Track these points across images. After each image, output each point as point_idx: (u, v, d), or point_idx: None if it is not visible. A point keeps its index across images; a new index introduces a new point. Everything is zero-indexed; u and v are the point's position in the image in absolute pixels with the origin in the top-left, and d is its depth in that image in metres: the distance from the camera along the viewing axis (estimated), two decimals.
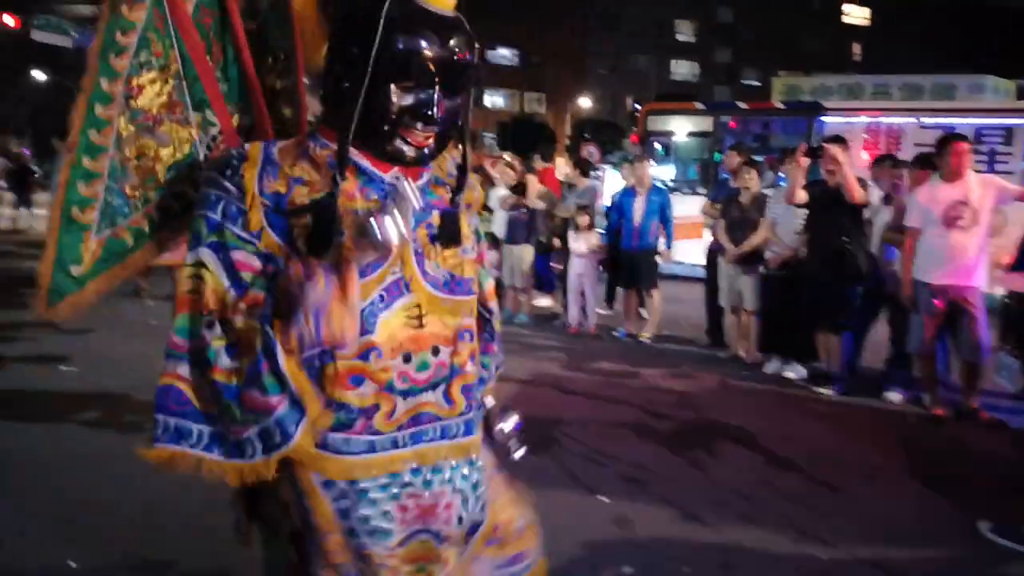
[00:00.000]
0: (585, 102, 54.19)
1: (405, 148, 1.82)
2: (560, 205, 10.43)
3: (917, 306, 6.75)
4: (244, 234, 1.78)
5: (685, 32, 63.89)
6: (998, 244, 7.17)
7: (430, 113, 1.77)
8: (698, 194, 13.66)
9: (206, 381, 1.75)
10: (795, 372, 7.92)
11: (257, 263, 1.78)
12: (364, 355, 1.80)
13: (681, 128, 16.93)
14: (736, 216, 8.55)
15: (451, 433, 1.95)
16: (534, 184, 10.45)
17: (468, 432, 1.99)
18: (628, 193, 9.73)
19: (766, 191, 8.86)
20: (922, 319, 6.72)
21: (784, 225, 8.07)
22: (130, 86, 2.14)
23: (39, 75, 42.20)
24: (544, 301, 11.36)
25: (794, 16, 60.63)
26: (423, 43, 1.74)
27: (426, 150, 1.84)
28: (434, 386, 1.90)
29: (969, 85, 14.87)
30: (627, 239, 9.56)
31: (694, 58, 63.88)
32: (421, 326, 1.86)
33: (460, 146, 1.99)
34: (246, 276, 1.77)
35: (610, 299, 11.31)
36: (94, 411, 6.00)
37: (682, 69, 63.52)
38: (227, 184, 1.80)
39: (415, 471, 1.89)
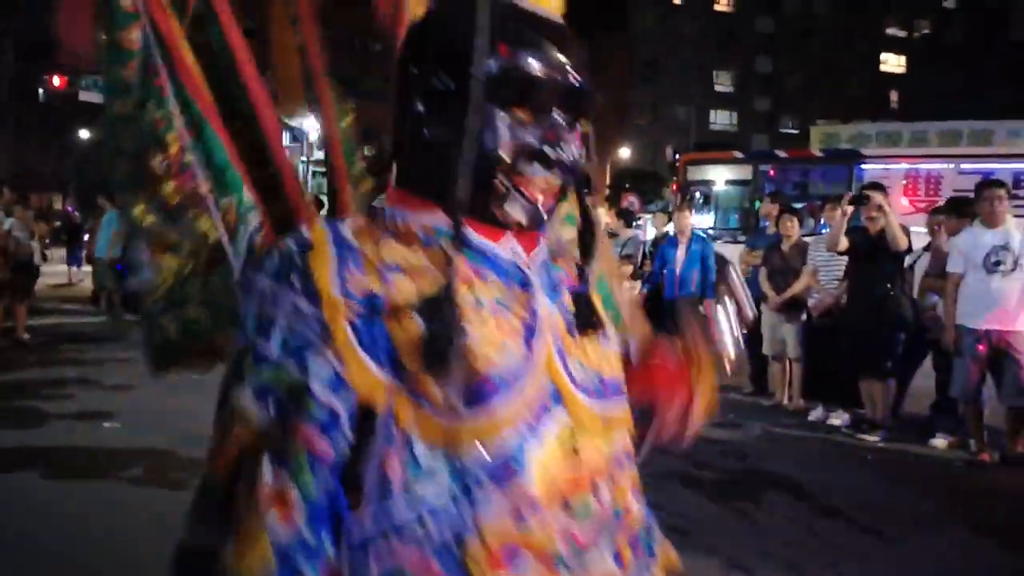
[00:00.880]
0: (624, 152, 54.48)
1: (521, 204, 1.28)
2: None
3: (961, 351, 6.77)
4: (321, 391, 1.16)
5: (724, 82, 64.22)
6: None
7: (554, 152, 1.27)
8: (739, 242, 13.75)
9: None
10: (840, 419, 7.91)
11: (326, 447, 1.16)
12: (518, 514, 1.18)
13: (720, 177, 17.05)
14: (778, 264, 8.61)
15: None
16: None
17: None
18: (670, 242, 9.82)
19: (806, 239, 8.93)
20: (966, 364, 6.73)
21: (826, 272, 8.12)
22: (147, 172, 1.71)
23: (85, 134, 43.13)
24: None
25: (832, 65, 60.76)
26: (536, 57, 1.25)
27: (549, 206, 1.31)
28: (598, 542, 1.27)
29: (1007, 130, 14.88)
30: (669, 288, 9.63)
31: (733, 107, 64.12)
32: (575, 455, 1.25)
33: (579, 200, 1.45)
34: (299, 460, 1.15)
35: None
36: (138, 468, 5.93)
37: (721, 119, 63.76)
38: (290, 295, 1.21)
39: None
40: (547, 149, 1.27)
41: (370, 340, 1.19)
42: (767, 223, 9.79)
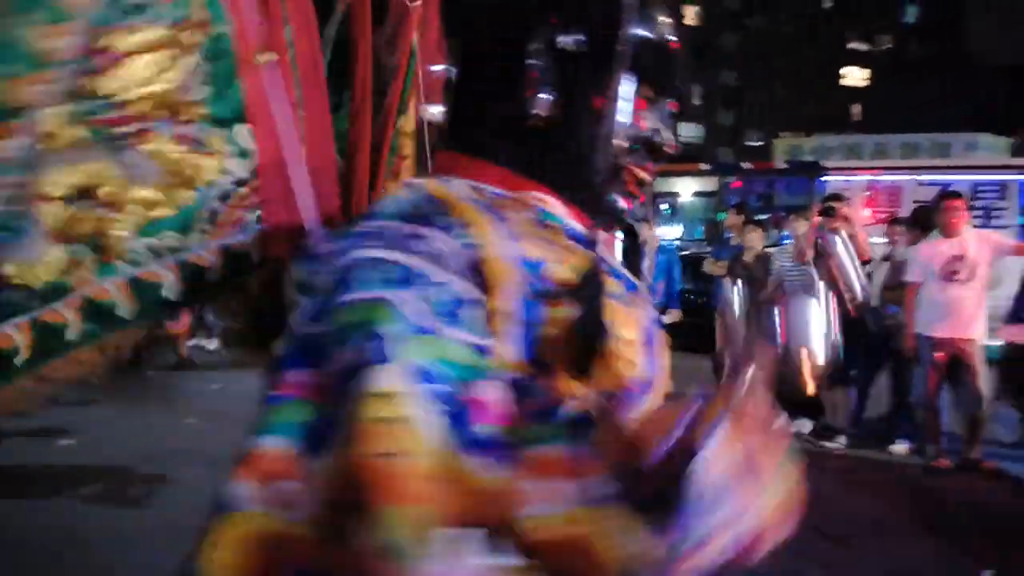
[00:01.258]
0: None
1: (621, 196, 1.12)
2: None
3: (919, 359, 6.90)
4: (476, 338, 0.89)
5: (690, 96, 64.70)
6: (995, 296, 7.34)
7: (665, 141, 1.11)
8: (704, 253, 13.86)
9: None
10: (803, 427, 8.01)
11: (499, 404, 0.88)
12: None
13: (687, 188, 17.18)
14: (741, 274, 8.71)
15: None
16: None
17: None
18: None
19: (770, 249, 9.04)
20: (924, 371, 6.87)
21: (790, 282, 8.22)
22: (93, 46, 1.07)
23: None
24: None
25: (795, 79, 61.45)
26: (660, 29, 1.08)
27: (631, 204, 1.16)
28: None
29: (965, 143, 15.19)
30: None
31: (699, 121, 64.61)
32: None
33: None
34: (484, 432, 0.84)
35: None
36: (94, 486, 5.76)
37: (687, 131, 64.21)
38: (432, 242, 0.91)
39: None
40: (660, 136, 1.10)
41: (525, 321, 0.92)
42: (731, 234, 9.90)
